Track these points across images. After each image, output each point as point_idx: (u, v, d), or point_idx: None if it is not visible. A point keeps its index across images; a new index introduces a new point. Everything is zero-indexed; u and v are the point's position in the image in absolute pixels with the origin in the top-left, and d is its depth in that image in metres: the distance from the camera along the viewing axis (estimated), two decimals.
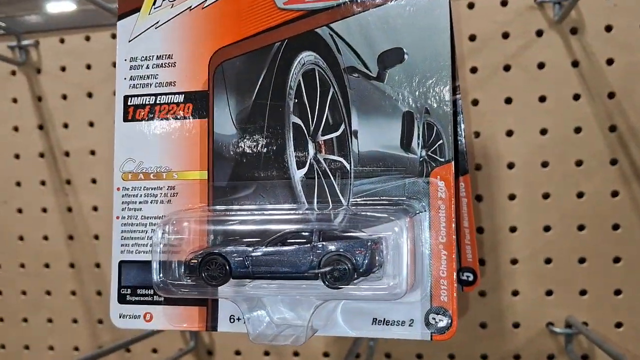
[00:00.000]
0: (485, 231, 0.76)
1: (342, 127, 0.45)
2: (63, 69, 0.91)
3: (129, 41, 0.49)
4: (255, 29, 0.46)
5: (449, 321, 0.42)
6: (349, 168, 0.44)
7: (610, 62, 0.74)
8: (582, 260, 0.75)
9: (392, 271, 0.40)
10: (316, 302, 0.40)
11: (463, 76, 0.76)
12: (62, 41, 0.90)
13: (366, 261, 0.38)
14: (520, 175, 0.75)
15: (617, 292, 0.75)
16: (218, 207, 0.46)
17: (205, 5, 0.47)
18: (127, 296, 0.48)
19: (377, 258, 0.39)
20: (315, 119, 0.45)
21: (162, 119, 0.48)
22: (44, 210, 0.92)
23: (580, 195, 0.74)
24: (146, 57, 0.49)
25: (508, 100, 0.76)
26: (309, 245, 0.39)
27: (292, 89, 0.46)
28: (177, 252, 0.45)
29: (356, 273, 0.39)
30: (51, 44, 0.90)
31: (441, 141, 0.43)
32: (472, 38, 0.77)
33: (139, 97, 0.49)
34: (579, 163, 0.74)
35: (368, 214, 0.43)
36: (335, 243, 0.39)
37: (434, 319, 0.42)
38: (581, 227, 0.75)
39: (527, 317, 0.76)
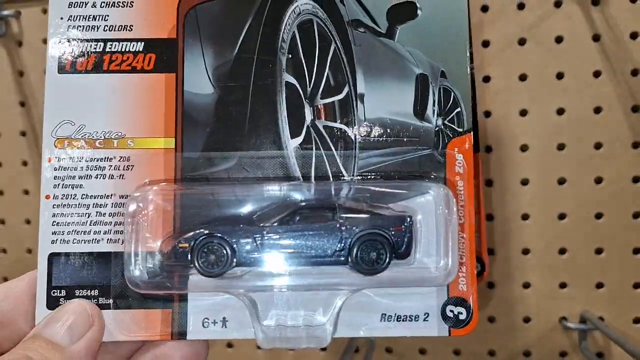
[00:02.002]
0: (496, 219, 0.70)
1: (346, 89, 0.38)
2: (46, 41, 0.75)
3: None
4: None
5: (469, 314, 0.37)
6: (353, 137, 0.38)
7: (634, 36, 0.68)
8: (599, 251, 0.70)
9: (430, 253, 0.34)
10: (343, 293, 0.33)
11: (474, 50, 0.69)
12: (44, 11, 0.77)
13: (406, 240, 0.32)
14: (534, 159, 0.69)
15: (637, 286, 0.70)
16: (193, 184, 0.37)
17: None
18: (60, 299, 0.37)
19: (415, 237, 0.33)
20: (313, 79, 0.38)
21: (113, 72, 0.38)
22: None
23: (598, 180, 0.69)
24: None
25: (522, 77, 0.69)
26: (334, 222, 0.32)
27: (284, 42, 0.38)
28: (148, 238, 0.35)
29: (394, 255, 0.32)
30: (33, 15, 0.78)
31: (459, 109, 0.38)
32: (485, 9, 0.70)
33: (81, 43, 0.38)
34: (598, 146, 0.69)
35: (378, 189, 0.37)
36: (365, 219, 0.33)
37: (451, 311, 0.37)
38: (599, 215, 0.70)
39: (539, 312, 0.71)
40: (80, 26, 0.38)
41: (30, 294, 0.37)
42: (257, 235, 0.32)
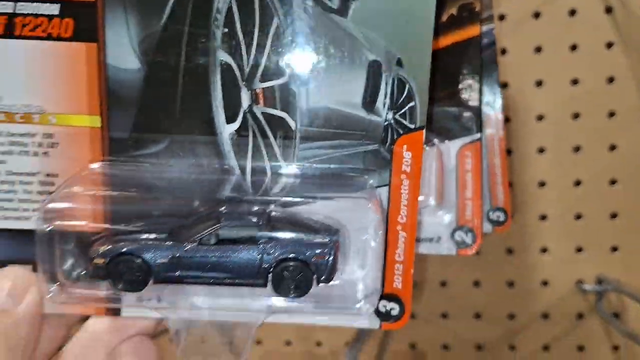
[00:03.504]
0: (514, 186, 0.72)
1: (288, 73, 0.34)
2: None
3: None
4: None
5: (402, 310, 0.37)
6: (294, 126, 0.35)
7: None
8: (613, 216, 0.73)
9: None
10: (260, 317, 0.32)
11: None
12: None
13: (329, 267, 0.31)
14: (550, 128, 0.71)
15: None
16: (118, 170, 0.35)
17: None
18: None
19: (338, 261, 0.32)
20: (251, 59, 0.34)
21: (26, 38, 0.34)
22: None
23: (612, 148, 0.72)
24: None
25: (538, 49, 0.70)
26: (254, 245, 0.31)
27: (219, 13, 0.33)
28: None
29: (317, 281, 0.31)
30: None
31: (413, 103, 0.34)
32: None
33: None
34: (611, 114, 0.71)
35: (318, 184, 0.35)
36: (288, 241, 0.31)
37: (384, 306, 0.37)
38: (613, 182, 0.72)
39: (556, 275, 0.74)
40: None
41: None
42: (176, 255, 0.31)
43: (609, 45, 0.70)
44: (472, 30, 0.47)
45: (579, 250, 0.74)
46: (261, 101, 0.34)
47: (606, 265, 0.73)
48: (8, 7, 0.33)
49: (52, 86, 0.34)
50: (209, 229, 0.31)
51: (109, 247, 0.32)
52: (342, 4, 0.33)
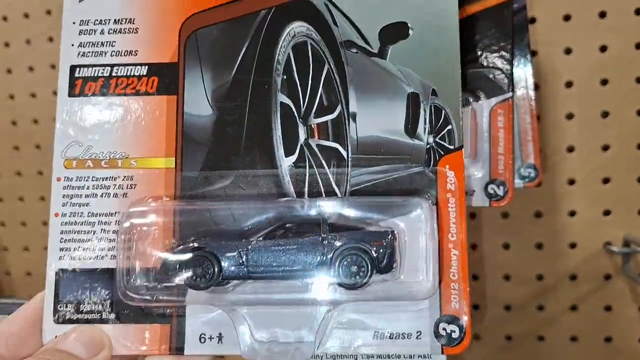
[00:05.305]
0: (543, 151, 0.73)
1: (339, 108, 0.39)
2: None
3: (80, 1, 0.41)
4: None
5: (462, 332, 0.37)
6: (345, 156, 0.39)
7: None
8: None
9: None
10: (325, 308, 0.33)
11: None
12: (50, 39, 0.79)
13: (387, 254, 0.33)
14: (578, 94, 0.73)
15: None
16: (190, 201, 0.38)
17: None
18: (67, 314, 0.39)
19: (397, 252, 0.34)
20: (307, 99, 0.39)
21: (118, 95, 0.40)
22: None
23: None
24: (101, 20, 0.41)
25: (567, 17, 0.73)
26: (317, 236, 0.33)
27: (280, 64, 0.39)
28: (139, 253, 0.37)
29: (376, 269, 0.33)
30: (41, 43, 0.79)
31: (450, 126, 0.38)
32: None
33: (90, 68, 0.41)
34: (639, 80, 0.72)
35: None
36: (348, 234, 0.33)
37: (444, 329, 0.37)
38: None
39: (584, 238, 0.74)
40: (89, 52, 0.41)
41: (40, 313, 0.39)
42: (244, 249, 0.33)
43: (638, 11, 0.72)
44: None
45: (607, 213, 0.74)
46: (316, 134, 0.39)
47: (633, 228, 0.73)
48: (106, 72, 0.40)
49: (135, 134, 0.40)
50: (275, 225, 0.33)
51: (181, 246, 0.34)
52: (382, 48, 0.39)
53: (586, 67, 0.73)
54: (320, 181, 0.39)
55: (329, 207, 0.36)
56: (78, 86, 0.40)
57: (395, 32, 0.39)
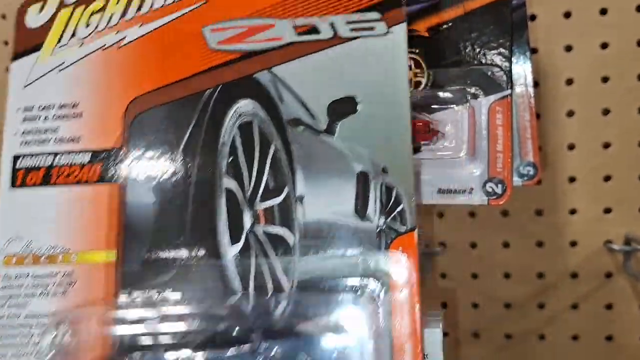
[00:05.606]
0: (543, 149, 0.71)
1: (286, 191, 0.36)
2: None
3: (24, 87, 0.40)
4: (182, 73, 0.38)
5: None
6: (292, 242, 0.35)
7: None
8: None
9: None
10: None
11: None
12: None
13: None
14: (579, 91, 0.71)
15: None
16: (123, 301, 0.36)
17: (122, 45, 0.39)
18: None
19: None
20: (252, 182, 0.37)
21: (60, 185, 0.39)
22: None
23: None
24: (45, 106, 0.40)
25: (567, 14, 0.71)
26: (248, 348, 0.29)
27: (225, 146, 0.37)
28: None
29: None
30: None
31: (402, 206, 0.35)
32: None
33: (32, 157, 0.39)
34: None
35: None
36: (285, 343, 0.30)
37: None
38: None
39: (585, 236, 0.72)
40: (32, 140, 0.39)
41: None
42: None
43: (639, 8, 0.69)
44: None
45: (608, 211, 0.72)
46: (262, 220, 0.36)
47: (634, 225, 0.71)
48: (49, 160, 0.39)
49: (76, 226, 0.38)
50: (202, 338, 0.30)
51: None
52: (330, 124, 0.36)
53: (587, 64, 0.71)
54: (267, 272, 0.35)
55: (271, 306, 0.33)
56: (20, 177, 0.39)
57: (343, 106, 0.36)
